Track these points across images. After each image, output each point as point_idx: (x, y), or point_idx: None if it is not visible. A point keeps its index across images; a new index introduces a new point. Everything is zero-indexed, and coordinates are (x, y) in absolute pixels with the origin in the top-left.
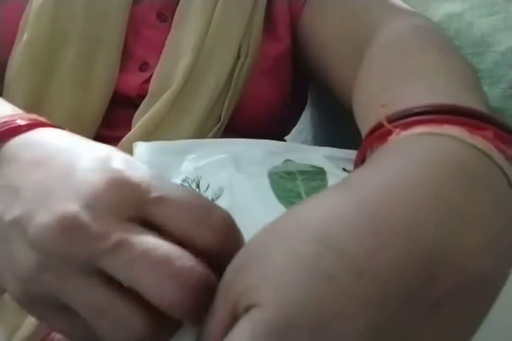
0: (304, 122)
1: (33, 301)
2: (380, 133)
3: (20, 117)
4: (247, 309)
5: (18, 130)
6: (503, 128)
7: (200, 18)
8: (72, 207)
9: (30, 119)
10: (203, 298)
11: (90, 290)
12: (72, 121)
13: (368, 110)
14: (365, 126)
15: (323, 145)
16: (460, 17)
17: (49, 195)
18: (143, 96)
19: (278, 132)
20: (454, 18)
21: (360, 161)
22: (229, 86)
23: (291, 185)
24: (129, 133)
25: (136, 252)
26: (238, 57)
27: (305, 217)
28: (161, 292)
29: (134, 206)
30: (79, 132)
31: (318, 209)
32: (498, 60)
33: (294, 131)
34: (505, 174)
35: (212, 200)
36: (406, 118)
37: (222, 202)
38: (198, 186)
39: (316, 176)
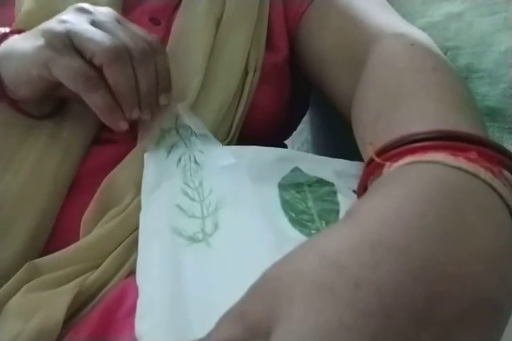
0: (304, 122)
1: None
2: (373, 167)
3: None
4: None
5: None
6: (488, 146)
7: (205, 33)
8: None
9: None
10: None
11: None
12: (70, 123)
13: (364, 141)
14: (364, 154)
15: (324, 147)
16: (460, 17)
17: None
18: None
19: (278, 136)
20: (454, 18)
21: (362, 190)
22: (238, 100)
23: (303, 206)
24: (139, 145)
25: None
26: (246, 71)
27: (314, 246)
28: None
29: None
30: (80, 134)
31: (327, 240)
32: (498, 60)
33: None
34: (494, 189)
35: (215, 209)
36: (395, 149)
37: (224, 218)
38: (201, 185)
39: (327, 197)
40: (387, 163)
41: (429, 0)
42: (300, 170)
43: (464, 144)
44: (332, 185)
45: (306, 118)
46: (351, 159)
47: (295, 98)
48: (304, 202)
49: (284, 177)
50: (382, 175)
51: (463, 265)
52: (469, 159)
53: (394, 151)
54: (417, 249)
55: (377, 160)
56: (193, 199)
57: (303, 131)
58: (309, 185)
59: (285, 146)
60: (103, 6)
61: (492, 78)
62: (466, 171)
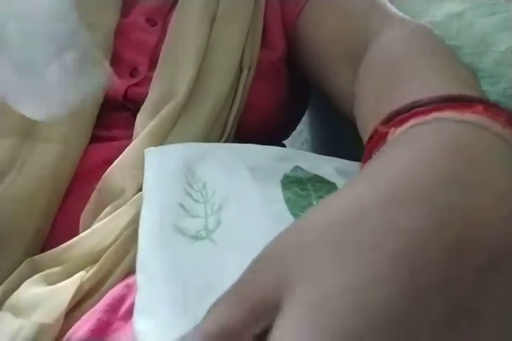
0: (304, 122)
1: None
2: (378, 137)
3: None
4: (276, 306)
5: None
6: (493, 105)
7: (199, 31)
8: None
9: None
10: None
11: None
12: (67, 122)
13: (367, 125)
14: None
15: (324, 147)
16: (460, 17)
17: None
18: (130, 100)
19: (276, 136)
20: (455, 18)
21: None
22: (232, 98)
23: (306, 203)
24: (136, 141)
25: None
26: (241, 68)
27: (324, 211)
28: None
29: None
30: (75, 133)
31: (338, 200)
32: (499, 60)
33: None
34: (504, 139)
35: (219, 208)
36: (397, 116)
37: (227, 214)
38: (204, 187)
39: (330, 194)
40: (392, 129)
41: (429, 0)
42: (301, 168)
43: (468, 103)
44: (334, 184)
45: (305, 119)
46: (352, 159)
47: (294, 98)
48: (308, 199)
49: (286, 175)
50: (386, 142)
51: (488, 211)
52: (476, 112)
53: (397, 118)
54: (440, 197)
55: (381, 128)
56: (196, 201)
57: (302, 131)
58: (312, 184)
59: (284, 146)
60: (105, 7)
61: (492, 78)
62: (474, 124)
